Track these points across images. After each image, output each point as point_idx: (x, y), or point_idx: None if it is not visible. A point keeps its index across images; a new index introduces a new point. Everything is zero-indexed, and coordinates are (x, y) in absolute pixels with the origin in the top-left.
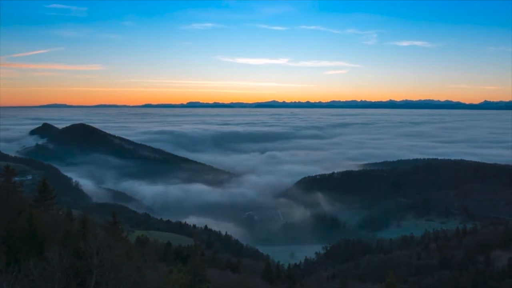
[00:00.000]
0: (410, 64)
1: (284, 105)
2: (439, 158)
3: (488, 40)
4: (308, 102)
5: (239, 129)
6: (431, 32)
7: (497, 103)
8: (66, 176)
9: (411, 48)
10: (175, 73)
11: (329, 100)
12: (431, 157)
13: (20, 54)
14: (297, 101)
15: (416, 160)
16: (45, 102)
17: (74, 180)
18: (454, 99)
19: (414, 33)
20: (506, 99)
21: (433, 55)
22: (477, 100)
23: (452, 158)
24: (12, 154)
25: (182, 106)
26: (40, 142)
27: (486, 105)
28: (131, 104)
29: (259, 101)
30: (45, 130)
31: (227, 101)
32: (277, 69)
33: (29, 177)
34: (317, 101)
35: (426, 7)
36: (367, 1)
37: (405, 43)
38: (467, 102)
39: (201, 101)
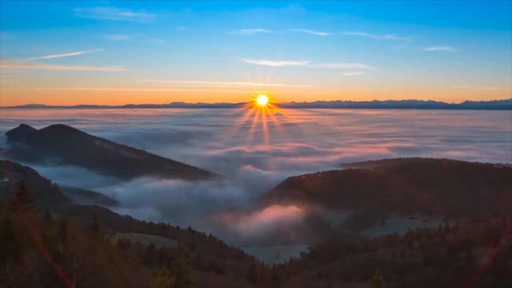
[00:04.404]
0: (409, 64)
1: None
2: (421, 157)
3: (476, 42)
4: (293, 102)
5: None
6: (429, 33)
7: (477, 103)
8: (45, 178)
9: (438, 53)
10: (185, 74)
11: (314, 101)
12: (413, 156)
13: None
14: (282, 101)
15: (399, 159)
16: (23, 102)
17: (52, 182)
18: (437, 99)
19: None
20: (487, 99)
21: (430, 56)
22: (459, 100)
23: (435, 157)
24: None
25: (165, 106)
26: (17, 143)
27: (467, 105)
28: (113, 104)
29: (244, 101)
30: (22, 131)
31: (211, 101)
32: (291, 70)
33: (5, 179)
34: (302, 101)
35: (426, 9)
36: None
37: (432, 48)
38: (449, 102)
39: (184, 102)
